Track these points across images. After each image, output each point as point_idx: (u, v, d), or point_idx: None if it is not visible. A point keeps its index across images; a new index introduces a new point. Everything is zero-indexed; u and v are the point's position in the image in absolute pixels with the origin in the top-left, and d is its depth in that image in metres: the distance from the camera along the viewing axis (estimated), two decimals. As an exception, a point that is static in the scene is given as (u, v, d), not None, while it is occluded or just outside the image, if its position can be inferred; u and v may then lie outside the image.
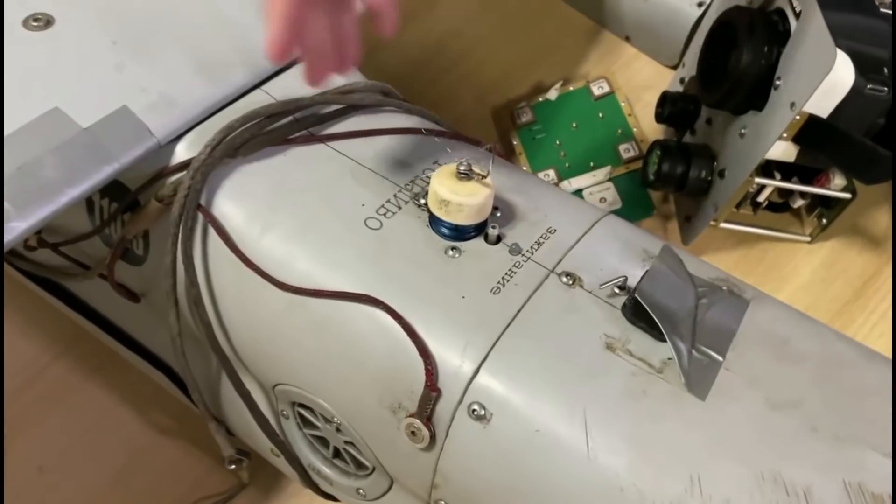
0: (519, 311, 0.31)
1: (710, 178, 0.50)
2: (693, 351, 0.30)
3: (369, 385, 0.32)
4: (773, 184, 0.49)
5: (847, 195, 0.50)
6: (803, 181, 0.50)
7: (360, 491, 0.38)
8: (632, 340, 0.30)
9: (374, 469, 0.36)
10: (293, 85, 0.38)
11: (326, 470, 0.39)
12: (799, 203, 0.52)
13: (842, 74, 0.43)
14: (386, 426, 0.32)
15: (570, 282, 0.32)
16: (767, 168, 0.49)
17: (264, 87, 0.37)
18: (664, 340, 0.30)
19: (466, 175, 0.32)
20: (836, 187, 0.50)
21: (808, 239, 0.54)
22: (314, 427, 0.37)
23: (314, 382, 0.34)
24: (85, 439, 0.51)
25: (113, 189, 0.36)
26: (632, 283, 0.32)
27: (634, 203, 0.55)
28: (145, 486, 0.50)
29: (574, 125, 0.57)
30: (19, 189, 0.30)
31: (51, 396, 0.52)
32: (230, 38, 0.37)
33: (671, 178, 0.51)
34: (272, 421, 0.38)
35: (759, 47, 0.45)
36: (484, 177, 0.32)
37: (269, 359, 0.35)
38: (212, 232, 0.34)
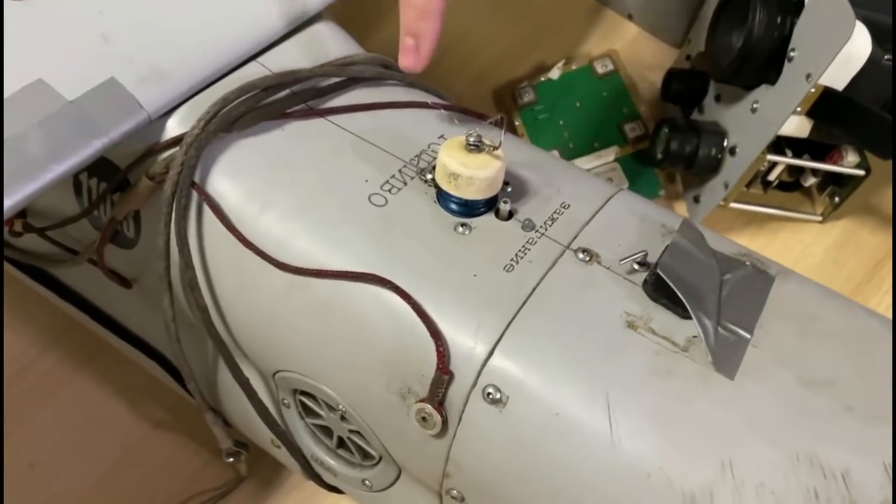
0: (534, 290, 0.29)
1: (720, 156, 0.49)
2: (719, 328, 0.28)
3: (376, 369, 0.30)
4: (785, 161, 0.48)
5: (861, 172, 0.48)
6: (815, 158, 0.49)
7: (366, 482, 0.36)
8: (654, 318, 0.29)
9: (380, 458, 0.35)
10: (290, 57, 0.36)
11: (330, 461, 0.37)
12: (811, 181, 0.51)
13: (858, 45, 0.42)
14: (394, 413, 0.31)
15: (587, 258, 0.30)
16: (778, 145, 0.48)
17: (260, 59, 0.36)
18: (688, 318, 0.29)
19: (476, 147, 0.31)
20: (849, 164, 0.48)
21: (820, 218, 0.53)
22: (317, 416, 0.36)
23: (317, 368, 0.33)
24: (77, 434, 0.49)
25: (101, 168, 0.35)
26: (652, 258, 0.30)
27: (641, 184, 0.53)
28: (140, 481, 0.48)
29: (577, 105, 0.56)
30: (3, 166, 0.28)
31: (40, 391, 0.50)
32: (224, 7, 0.35)
33: (680, 157, 0.49)
34: (273, 410, 0.36)
35: (772, 18, 0.44)
36: (495, 148, 0.31)
37: (268, 344, 0.34)
38: (207, 211, 0.32)
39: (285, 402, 0.37)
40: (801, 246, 0.52)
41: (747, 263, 0.31)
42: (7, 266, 0.47)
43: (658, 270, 0.29)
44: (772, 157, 0.47)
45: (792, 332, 0.29)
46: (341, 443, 0.37)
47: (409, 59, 0.34)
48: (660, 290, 0.29)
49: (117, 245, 0.37)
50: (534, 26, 0.62)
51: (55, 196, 0.38)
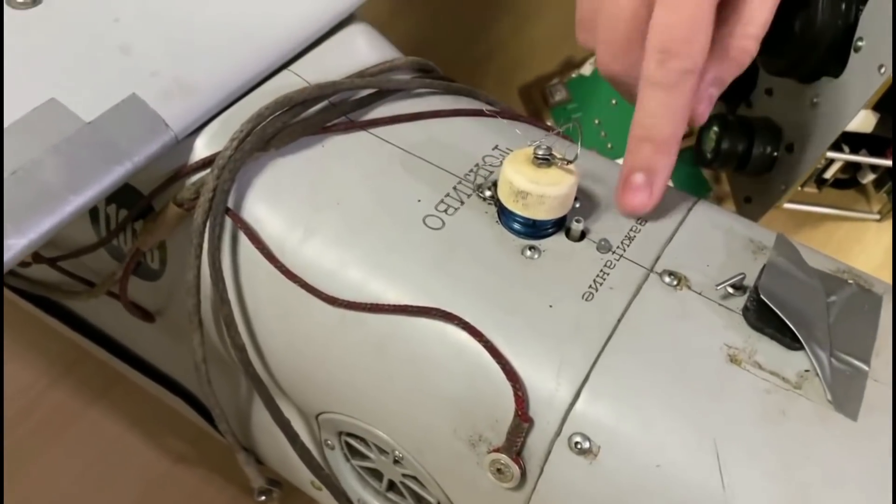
0: (619, 321, 0.26)
1: (776, 154, 0.45)
2: (832, 360, 0.25)
3: (441, 414, 0.27)
4: (844, 157, 0.45)
5: (924, 167, 0.45)
6: (872, 153, 0.46)
7: (421, 528, 0.33)
8: (758, 350, 0.25)
9: (438, 504, 0.32)
10: (323, 63, 0.33)
11: (379, 505, 0.34)
12: (868, 178, 0.47)
13: (933, 32, 0.39)
14: (462, 462, 0.27)
15: (675, 282, 0.27)
16: (835, 140, 0.45)
17: (291, 67, 0.32)
18: (796, 348, 0.25)
19: (546, 160, 0.27)
20: (911, 159, 0.45)
21: (878, 217, 0.49)
22: (365, 458, 0.32)
23: (371, 411, 0.29)
24: (93, 472, 0.46)
25: (121, 194, 0.31)
26: (748, 281, 0.27)
27: (688, 184, 0.50)
28: (163, 522, 0.45)
29: (614, 102, 0.52)
30: (15, 199, 0.25)
31: (51, 426, 0.47)
32: (251, 12, 0.32)
33: (732, 156, 0.46)
34: (314, 452, 0.33)
35: (836, 5, 0.40)
36: (569, 162, 0.27)
37: (314, 385, 0.30)
38: (243, 240, 0.29)
39: (329, 443, 0.33)
40: (860, 247, 0.49)
41: (850, 282, 0.28)
42: (10, 293, 0.43)
43: (760, 295, 0.25)
44: (830, 154, 0.44)
45: (912, 361, 0.26)
46: (391, 485, 0.33)
47: (639, 198, 0.28)
48: (763, 317, 0.26)
49: (139, 277, 0.34)
50: (558, 19, 0.58)
51: (70, 224, 0.34)
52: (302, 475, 0.37)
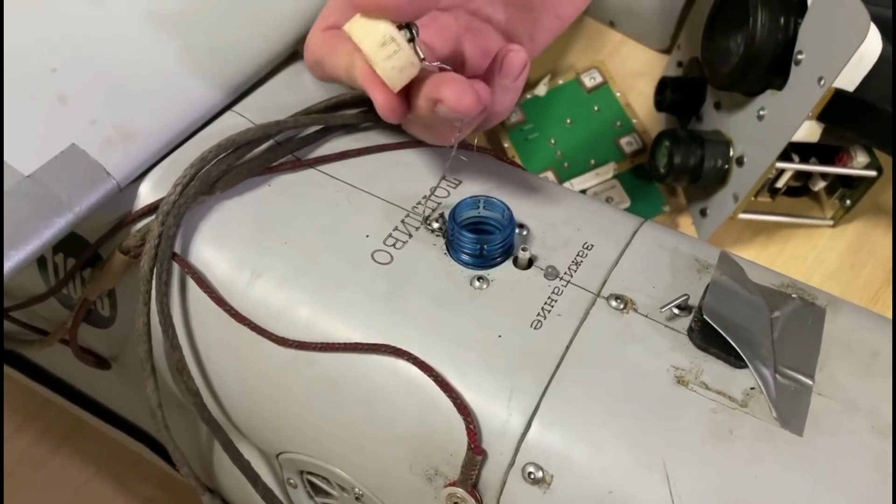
0: (568, 347, 0.26)
1: (727, 167, 0.46)
2: (777, 376, 0.26)
3: (397, 450, 0.27)
4: (794, 167, 0.45)
5: (872, 173, 0.46)
6: (822, 161, 0.47)
7: (388, 562, 0.33)
8: (705, 370, 0.26)
9: (403, 538, 0.32)
10: (268, 102, 0.33)
11: (346, 541, 0.34)
12: (820, 185, 0.48)
13: (869, 44, 0.39)
14: (421, 496, 0.27)
15: (622, 306, 0.27)
16: (784, 150, 0.46)
17: (236, 107, 0.32)
18: (741, 367, 0.26)
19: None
20: (859, 165, 0.46)
21: (831, 222, 0.50)
22: (328, 495, 0.32)
23: (328, 449, 0.29)
24: (60, 520, 0.46)
25: (68, 242, 0.31)
26: (692, 300, 0.27)
27: (644, 199, 0.50)
28: (134, 567, 0.44)
29: (568, 121, 0.53)
30: (-48, 258, 0.24)
31: (16, 475, 0.46)
32: (191, 54, 0.32)
33: (685, 170, 0.46)
34: (278, 491, 0.33)
35: (774, 20, 0.41)
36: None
37: (271, 425, 0.30)
38: (191, 285, 0.29)
39: (291, 481, 0.33)
40: (815, 253, 0.50)
41: (794, 296, 0.28)
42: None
43: (704, 316, 0.26)
44: (780, 164, 0.45)
45: (856, 372, 0.26)
46: (357, 520, 0.33)
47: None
48: (708, 337, 0.26)
49: (91, 324, 0.33)
50: (512, 41, 0.59)
51: (18, 273, 0.34)
52: (268, 514, 0.37)
